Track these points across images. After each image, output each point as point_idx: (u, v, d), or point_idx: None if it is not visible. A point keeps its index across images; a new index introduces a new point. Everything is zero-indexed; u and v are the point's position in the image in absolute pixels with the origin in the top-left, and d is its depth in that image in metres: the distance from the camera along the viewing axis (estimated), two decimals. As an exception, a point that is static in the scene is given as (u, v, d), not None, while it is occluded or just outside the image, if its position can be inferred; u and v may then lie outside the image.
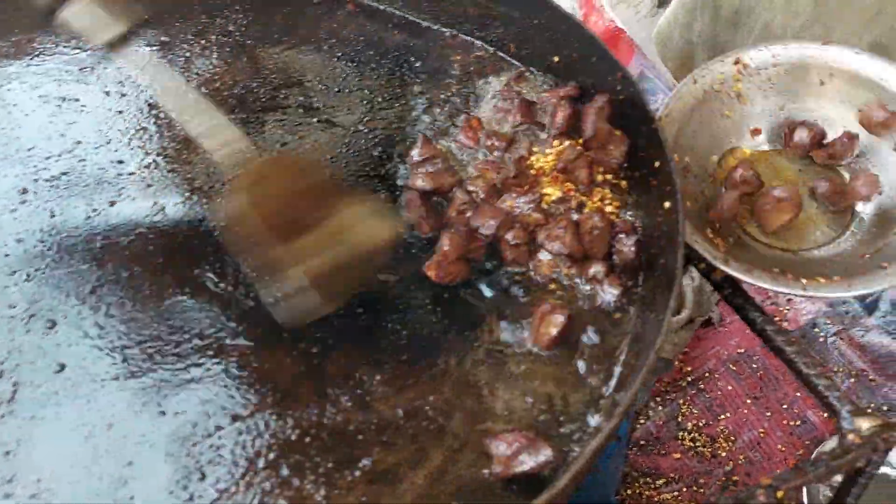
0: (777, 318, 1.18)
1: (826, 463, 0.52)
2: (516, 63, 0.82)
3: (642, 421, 1.10)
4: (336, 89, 0.78)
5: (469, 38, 0.85)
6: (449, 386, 0.55)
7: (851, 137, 0.70)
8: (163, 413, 0.52)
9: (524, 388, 0.56)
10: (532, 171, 0.70)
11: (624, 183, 0.69)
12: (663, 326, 0.51)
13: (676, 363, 1.16)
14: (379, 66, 0.81)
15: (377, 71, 0.81)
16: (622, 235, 0.64)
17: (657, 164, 0.64)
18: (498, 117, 0.76)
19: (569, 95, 0.75)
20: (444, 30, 0.85)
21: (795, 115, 0.74)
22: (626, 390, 0.48)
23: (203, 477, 0.49)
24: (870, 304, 1.13)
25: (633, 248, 0.63)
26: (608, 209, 0.66)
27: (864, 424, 0.53)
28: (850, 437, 0.53)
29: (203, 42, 0.81)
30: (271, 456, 0.50)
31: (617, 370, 0.57)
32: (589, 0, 1.69)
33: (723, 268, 0.62)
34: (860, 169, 0.70)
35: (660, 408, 1.12)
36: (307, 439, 0.51)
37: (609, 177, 0.69)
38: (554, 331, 0.58)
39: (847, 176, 0.71)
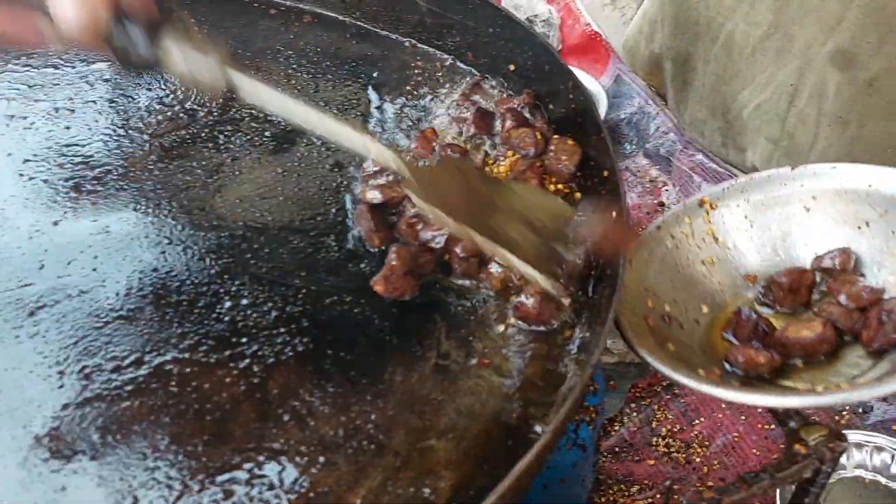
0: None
1: (771, 475, 0.51)
2: (474, 71, 0.81)
3: (616, 427, 1.10)
4: (291, 101, 0.78)
5: (427, 46, 0.84)
6: (393, 403, 0.55)
7: (845, 266, 0.62)
8: (98, 437, 0.51)
9: (470, 403, 0.55)
10: (485, 182, 0.70)
11: (578, 194, 0.68)
12: (601, 339, 0.50)
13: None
14: (335, 78, 0.81)
15: (333, 82, 0.80)
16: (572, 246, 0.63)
17: (605, 173, 0.64)
18: (454, 127, 0.75)
19: (523, 104, 0.75)
20: (402, 39, 0.85)
21: (787, 255, 0.66)
22: (563, 405, 0.47)
23: (136, 501, 0.48)
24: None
25: (581, 259, 0.62)
26: (559, 219, 0.66)
27: (811, 435, 0.53)
28: (796, 447, 0.52)
29: (157, 56, 0.81)
30: (206, 479, 0.49)
31: (562, 381, 0.56)
32: (566, 4, 1.69)
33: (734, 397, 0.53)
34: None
35: (634, 414, 1.11)
36: (244, 462, 0.50)
37: (561, 186, 0.68)
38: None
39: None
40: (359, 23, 0.86)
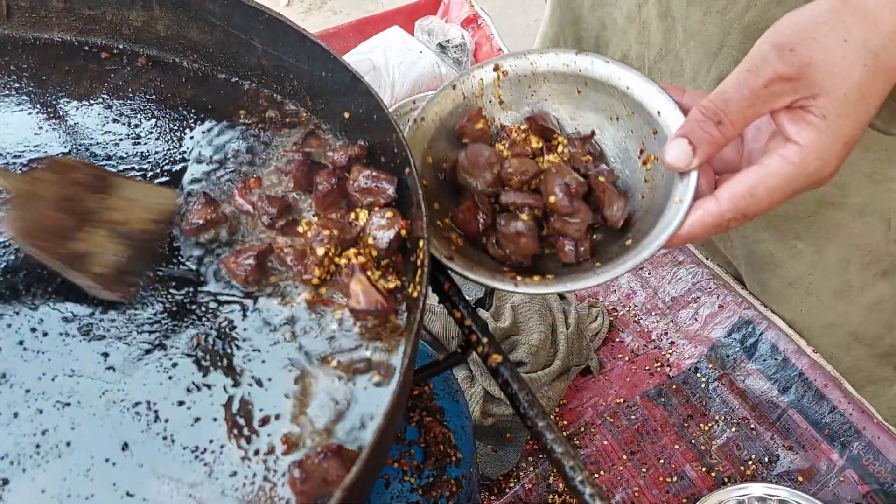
0: (659, 363, 1.12)
1: None
2: (314, 118, 0.75)
3: (512, 484, 1.03)
4: (106, 154, 0.71)
5: (267, 90, 0.78)
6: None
7: (584, 139, 0.70)
8: None
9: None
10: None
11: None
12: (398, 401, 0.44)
13: (552, 417, 1.09)
14: (161, 129, 0.74)
15: (157, 133, 0.74)
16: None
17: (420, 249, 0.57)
18: (276, 179, 0.69)
19: (355, 156, 0.69)
20: (242, 82, 0.78)
21: (558, 126, 0.73)
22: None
23: None
24: (749, 347, 1.06)
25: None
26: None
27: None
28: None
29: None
30: None
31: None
32: (479, 27, 1.63)
33: (446, 264, 0.61)
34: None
35: (531, 468, 1.05)
36: None
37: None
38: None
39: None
40: (196, 65, 0.79)
